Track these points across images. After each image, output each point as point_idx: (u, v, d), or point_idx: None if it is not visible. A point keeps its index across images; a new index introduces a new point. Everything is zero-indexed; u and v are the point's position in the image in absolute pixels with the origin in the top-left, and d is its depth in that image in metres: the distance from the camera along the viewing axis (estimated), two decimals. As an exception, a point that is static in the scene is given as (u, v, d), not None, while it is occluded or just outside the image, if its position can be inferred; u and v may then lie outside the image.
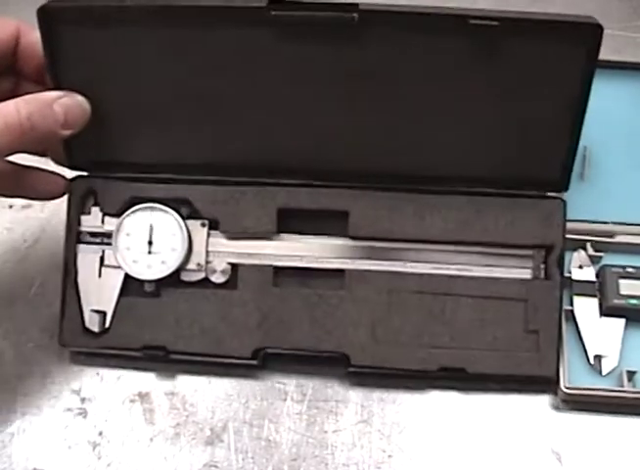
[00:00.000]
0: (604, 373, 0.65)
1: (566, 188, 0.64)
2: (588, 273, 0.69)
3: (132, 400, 0.64)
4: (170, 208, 0.64)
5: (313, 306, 0.63)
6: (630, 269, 0.69)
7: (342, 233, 0.64)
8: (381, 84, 0.60)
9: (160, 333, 0.63)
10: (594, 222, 0.72)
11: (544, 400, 0.65)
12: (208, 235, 0.64)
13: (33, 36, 0.59)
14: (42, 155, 0.65)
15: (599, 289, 0.69)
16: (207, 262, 0.64)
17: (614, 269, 0.69)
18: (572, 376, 0.64)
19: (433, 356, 0.62)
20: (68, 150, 0.64)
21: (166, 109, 0.62)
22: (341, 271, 0.64)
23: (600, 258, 0.71)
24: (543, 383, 0.64)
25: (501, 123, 0.61)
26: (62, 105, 0.58)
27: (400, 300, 0.63)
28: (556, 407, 0.65)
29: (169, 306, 0.63)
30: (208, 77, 0.60)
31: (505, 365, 0.62)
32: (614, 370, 0.65)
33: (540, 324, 0.63)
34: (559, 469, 0.62)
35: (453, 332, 0.62)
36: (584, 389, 0.64)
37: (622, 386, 0.64)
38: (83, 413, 0.63)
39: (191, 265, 0.64)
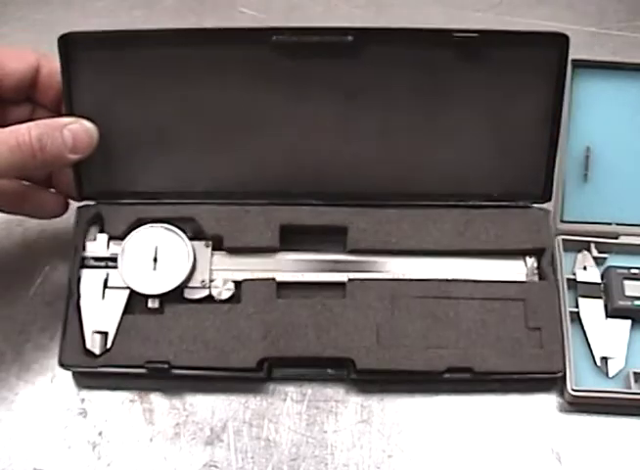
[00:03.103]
0: (610, 375, 0.65)
1: (549, 198, 0.68)
2: (593, 275, 0.69)
3: (132, 400, 0.64)
4: (175, 226, 0.65)
5: (317, 315, 0.63)
6: (635, 270, 0.68)
7: (341, 248, 0.66)
8: (376, 102, 0.64)
9: (163, 349, 0.62)
10: (598, 223, 0.71)
11: (549, 402, 0.64)
12: (212, 254, 0.65)
13: (53, 68, 0.63)
14: (45, 185, 0.67)
15: (604, 290, 0.68)
16: (211, 281, 0.64)
17: (618, 271, 0.68)
18: (579, 378, 0.64)
19: (439, 357, 0.62)
20: (78, 182, 0.66)
21: (173, 137, 0.65)
22: (342, 284, 0.65)
23: (604, 259, 0.70)
24: (549, 379, 0.64)
25: (486, 140, 0.65)
26: (71, 130, 0.61)
27: (403, 305, 0.63)
28: (561, 409, 0.64)
29: (173, 322, 0.63)
30: (214, 102, 0.64)
31: (511, 363, 0.62)
32: (620, 372, 0.65)
33: (541, 322, 0.64)
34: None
35: (457, 333, 0.63)
36: (591, 391, 0.63)
37: (630, 387, 0.64)
38: (83, 413, 0.63)
39: (194, 283, 0.64)
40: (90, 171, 0.66)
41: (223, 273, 0.65)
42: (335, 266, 0.66)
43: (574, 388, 0.63)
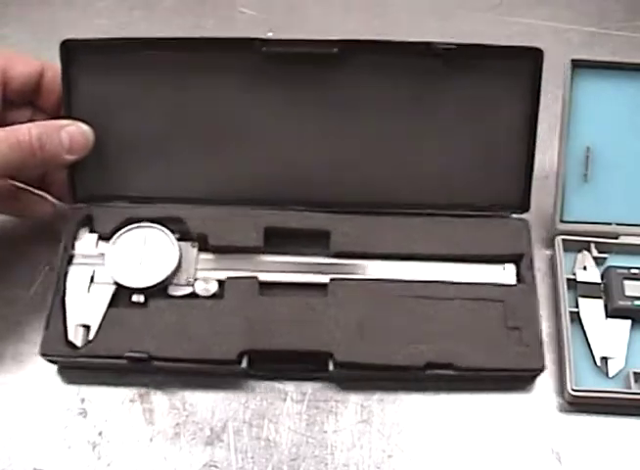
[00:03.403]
0: (610, 375, 0.65)
1: (527, 209, 0.70)
2: (593, 275, 0.69)
3: (132, 400, 0.64)
4: (163, 226, 0.67)
5: (298, 312, 0.64)
6: (635, 271, 0.69)
7: (325, 251, 0.68)
8: (360, 113, 0.67)
9: (144, 341, 0.63)
10: (598, 223, 0.72)
11: (549, 402, 0.64)
12: (198, 254, 0.67)
13: (56, 73, 0.65)
14: (39, 188, 0.69)
15: (604, 290, 0.69)
16: (196, 279, 0.66)
17: (618, 271, 0.69)
18: (579, 378, 0.64)
19: (419, 353, 0.63)
20: (72, 186, 0.68)
21: (166, 142, 0.68)
22: (324, 285, 0.66)
23: (604, 259, 0.71)
24: (529, 378, 0.65)
25: (466, 151, 0.68)
26: (68, 132, 0.64)
27: (384, 303, 0.65)
28: (561, 409, 0.64)
29: (156, 317, 0.64)
30: (206, 109, 0.67)
31: (491, 360, 0.63)
32: (620, 372, 0.65)
33: (520, 322, 0.65)
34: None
35: (438, 331, 0.64)
36: (591, 391, 0.63)
37: (630, 387, 0.64)
38: (83, 413, 0.63)
39: (179, 281, 0.66)
40: (83, 175, 0.68)
41: (208, 272, 0.66)
42: (317, 268, 0.67)
43: (574, 388, 0.63)
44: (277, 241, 0.68)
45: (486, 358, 0.63)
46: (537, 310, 0.65)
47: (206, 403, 0.64)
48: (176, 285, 0.65)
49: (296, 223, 0.68)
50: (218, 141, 0.68)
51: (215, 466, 0.61)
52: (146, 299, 0.65)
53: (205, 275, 0.66)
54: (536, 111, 0.67)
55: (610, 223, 0.72)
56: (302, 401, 0.64)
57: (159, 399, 0.64)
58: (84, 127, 0.65)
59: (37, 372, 0.65)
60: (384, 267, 0.67)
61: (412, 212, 0.69)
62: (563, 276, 0.69)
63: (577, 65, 0.68)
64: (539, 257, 0.72)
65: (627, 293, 0.67)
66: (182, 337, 0.63)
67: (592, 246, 0.71)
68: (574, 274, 0.69)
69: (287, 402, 0.64)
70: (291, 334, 0.63)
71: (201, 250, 0.67)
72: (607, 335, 0.66)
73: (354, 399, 0.64)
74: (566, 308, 0.67)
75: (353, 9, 0.91)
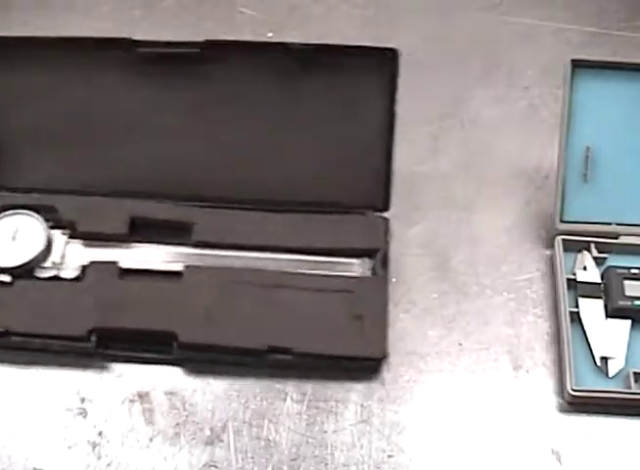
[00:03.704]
0: (610, 375, 0.65)
1: (387, 208, 0.71)
2: (593, 275, 0.69)
3: (132, 400, 0.64)
4: (37, 213, 0.70)
5: (150, 295, 0.67)
6: (635, 270, 0.69)
7: (186, 241, 0.70)
8: (224, 111, 0.70)
9: (5, 318, 0.65)
10: (598, 223, 0.72)
11: (549, 402, 0.64)
12: (68, 242, 0.70)
13: None
14: None
15: (604, 290, 0.69)
16: (62, 263, 0.68)
17: (618, 271, 0.69)
18: (579, 378, 0.64)
19: (262, 337, 0.64)
20: None
21: (45, 136, 0.71)
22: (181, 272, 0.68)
23: (604, 259, 0.71)
24: (372, 366, 0.65)
25: (327, 152, 0.70)
26: None
27: (233, 290, 0.67)
28: (561, 409, 0.64)
29: (19, 296, 0.67)
30: (84, 106, 0.70)
31: (332, 347, 0.64)
32: (620, 372, 0.65)
33: (365, 312, 0.66)
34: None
35: (283, 318, 0.66)
36: (591, 391, 0.64)
37: (630, 387, 0.64)
38: (83, 413, 0.63)
39: (47, 264, 0.68)
40: None
41: (74, 257, 0.69)
42: (176, 257, 0.69)
43: (574, 388, 0.63)
44: (143, 230, 0.71)
45: (327, 345, 0.64)
46: (385, 302, 0.67)
47: (206, 403, 0.64)
48: (42, 268, 0.68)
49: (161, 215, 0.71)
50: (95, 136, 0.71)
51: (215, 466, 0.61)
52: (14, 279, 0.67)
53: (72, 260, 0.69)
54: (393, 110, 0.68)
55: (610, 223, 0.72)
56: (302, 401, 0.64)
57: (158, 398, 0.64)
58: None
59: (37, 372, 0.65)
60: (238, 257, 0.69)
61: (276, 209, 0.71)
62: (563, 276, 0.69)
63: (577, 65, 0.68)
64: (539, 257, 0.72)
65: (627, 293, 0.67)
66: (41, 315, 0.65)
67: (592, 246, 0.71)
68: (574, 274, 0.69)
69: (287, 402, 0.64)
70: (139, 315, 0.65)
71: (71, 237, 0.70)
72: (607, 335, 0.66)
73: (354, 398, 0.64)
74: (566, 308, 0.67)
75: (354, 9, 0.91)
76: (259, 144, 0.70)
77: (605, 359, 0.66)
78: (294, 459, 0.61)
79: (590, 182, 0.71)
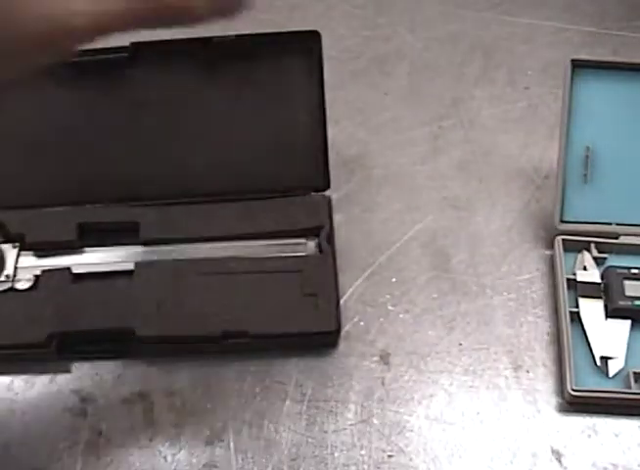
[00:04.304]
0: (611, 375, 0.65)
1: (328, 187, 0.72)
2: (593, 275, 0.69)
3: (132, 400, 0.64)
4: None
5: (104, 295, 0.68)
6: (635, 270, 0.69)
7: (135, 240, 0.71)
8: (159, 111, 0.70)
9: None
10: (598, 223, 0.72)
11: (549, 402, 0.64)
12: (19, 254, 0.70)
13: None
14: None
15: (604, 290, 0.69)
16: (15, 275, 0.69)
17: (618, 271, 0.69)
18: (579, 378, 0.64)
19: (216, 323, 0.66)
20: None
21: None
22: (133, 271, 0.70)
23: (604, 259, 0.71)
24: (329, 341, 0.67)
25: (265, 138, 0.72)
26: None
27: (185, 281, 0.68)
28: (561, 409, 0.64)
29: None
30: (22, 116, 0.70)
31: (286, 325, 0.66)
32: (620, 372, 0.65)
33: (316, 289, 0.67)
34: None
35: (236, 303, 0.67)
36: (591, 391, 0.64)
37: (630, 387, 0.64)
38: (83, 413, 0.63)
39: (1, 278, 0.69)
40: None
41: (26, 268, 0.69)
42: (127, 257, 0.71)
43: (574, 388, 0.63)
44: (91, 235, 0.72)
45: (282, 324, 0.66)
46: (333, 277, 0.67)
47: (206, 403, 0.64)
48: None
49: (107, 217, 0.72)
50: (34, 149, 0.71)
51: (215, 466, 0.61)
52: None
53: (25, 271, 0.69)
54: (322, 91, 0.69)
55: (610, 223, 0.72)
56: (302, 401, 0.64)
57: (158, 398, 0.64)
58: None
59: (37, 372, 0.66)
60: (187, 250, 0.71)
61: (219, 199, 0.73)
62: (563, 276, 0.69)
63: (577, 65, 0.68)
64: (539, 257, 0.72)
65: (627, 293, 0.67)
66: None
67: (592, 246, 0.71)
68: (574, 274, 0.69)
69: (287, 402, 0.64)
70: (96, 316, 0.66)
71: (22, 249, 0.70)
72: (607, 335, 0.66)
73: (354, 398, 0.64)
74: (566, 309, 0.67)
75: (355, 8, 0.91)
76: (195, 138, 0.71)
77: (605, 359, 0.65)
78: (294, 459, 0.61)
79: (590, 182, 0.71)
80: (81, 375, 0.66)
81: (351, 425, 0.63)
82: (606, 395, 0.63)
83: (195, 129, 0.72)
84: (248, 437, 0.62)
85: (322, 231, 0.70)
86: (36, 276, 0.69)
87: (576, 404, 0.64)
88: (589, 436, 0.63)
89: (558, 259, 0.70)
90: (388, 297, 0.70)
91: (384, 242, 0.73)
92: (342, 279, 0.70)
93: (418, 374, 0.66)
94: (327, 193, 0.72)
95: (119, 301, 0.67)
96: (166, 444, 0.62)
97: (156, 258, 0.70)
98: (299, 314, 0.66)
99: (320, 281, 0.67)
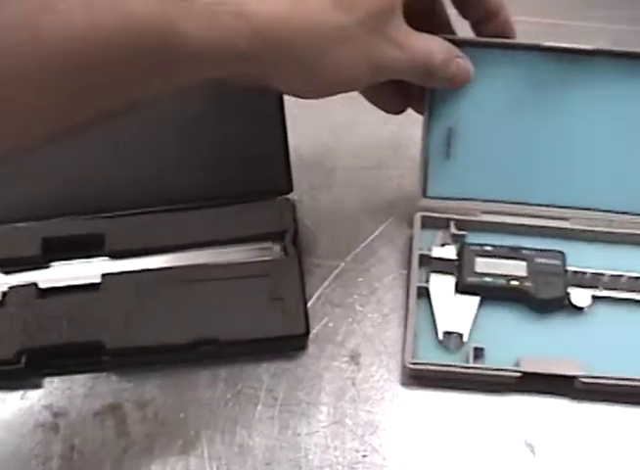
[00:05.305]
0: (452, 349, 0.66)
1: (291, 190, 0.73)
2: (449, 252, 0.70)
3: (103, 413, 0.64)
4: None
5: (72, 310, 0.67)
6: (488, 248, 0.69)
7: (101, 253, 0.71)
8: (116, 122, 0.67)
9: None
10: (460, 200, 0.72)
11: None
12: None
13: None
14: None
15: (457, 267, 0.69)
16: None
17: (472, 248, 0.70)
18: (422, 352, 0.65)
19: (186, 332, 0.65)
20: None
21: None
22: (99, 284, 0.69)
23: (464, 236, 0.72)
24: (298, 344, 0.67)
25: (226, 144, 0.71)
26: (458, 65, 0.64)
27: (153, 291, 0.68)
28: (402, 383, 0.65)
29: None
30: None
31: (254, 330, 0.66)
32: (463, 347, 0.66)
33: (283, 293, 0.67)
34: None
35: (204, 310, 0.67)
36: (428, 364, 0.64)
37: (468, 362, 0.65)
38: (55, 428, 0.63)
39: None
40: None
41: None
42: (94, 269, 0.70)
43: (411, 361, 0.64)
44: (57, 249, 0.71)
45: (250, 330, 0.66)
46: (299, 280, 0.68)
47: (178, 412, 0.64)
48: None
49: (72, 231, 0.72)
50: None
51: (190, 475, 0.61)
52: None
53: None
54: (280, 95, 0.69)
55: (472, 199, 0.72)
56: (274, 406, 0.64)
57: (130, 410, 0.64)
58: (469, 64, 0.64)
59: (7, 388, 0.65)
60: (153, 259, 0.71)
61: (184, 208, 0.73)
62: (416, 252, 0.70)
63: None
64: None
65: (478, 269, 0.68)
66: None
67: (451, 223, 0.72)
68: (430, 250, 0.70)
69: (259, 407, 0.64)
70: (64, 330, 0.66)
71: None
72: (454, 311, 0.67)
73: (325, 400, 0.64)
74: (414, 283, 0.68)
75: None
76: (158, 148, 0.72)
77: (448, 334, 0.66)
78: (268, 464, 0.61)
79: (453, 160, 0.71)
80: (52, 390, 0.65)
81: (324, 427, 0.63)
82: (443, 369, 0.64)
83: (157, 138, 0.71)
84: (221, 444, 0.62)
85: (287, 235, 0.70)
86: (3, 293, 0.68)
87: (416, 378, 0.65)
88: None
89: (414, 236, 0.71)
90: (355, 297, 0.70)
91: (349, 243, 0.74)
92: (309, 281, 0.70)
93: (388, 373, 0.66)
94: (291, 196, 0.72)
95: (87, 314, 0.67)
96: (140, 455, 0.62)
97: (122, 269, 0.69)
98: (268, 319, 0.66)
99: (287, 284, 0.67)
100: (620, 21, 0.92)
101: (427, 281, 0.69)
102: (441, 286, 0.69)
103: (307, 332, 0.66)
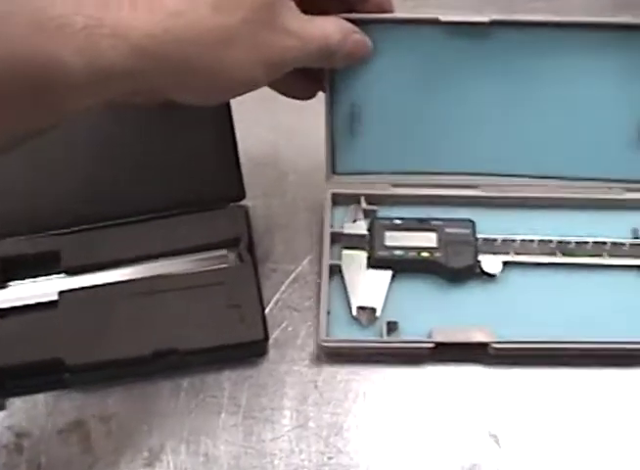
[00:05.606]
0: (365, 324, 0.67)
1: (243, 197, 0.72)
2: (360, 227, 0.71)
3: (68, 430, 0.64)
4: None
5: (31, 329, 0.67)
6: (397, 221, 0.70)
7: (58, 270, 0.71)
8: (64, 138, 0.68)
9: None
10: (369, 173, 0.72)
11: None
12: None
13: None
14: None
15: (368, 242, 0.70)
16: None
17: (382, 222, 0.70)
18: (336, 328, 0.66)
19: (145, 344, 0.65)
20: None
21: None
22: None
23: (375, 211, 0.72)
24: (253, 350, 0.67)
25: (174, 154, 0.71)
26: (355, 40, 0.63)
27: (110, 305, 0.67)
28: (316, 359, 0.67)
29: None
30: None
31: (213, 339, 0.66)
32: (376, 322, 0.67)
33: (240, 300, 0.67)
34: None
35: (163, 321, 0.67)
36: (340, 341, 0.65)
37: (382, 337, 0.65)
38: (19, 449, 0.63)
39: None
40: None
41: None
42: (51, 287, 0.70)
43: (324, 338, 0.65)
44: (14, 269, 0.71)
45: (209, 339, 0.66)
46: (255, 286, 0.68)
47: (142, 425, 0.64)
48: None
49: (28, 250, 0.71)
50: None
51: (156, 487, 0.61)
52: None
53: None
54: (228, 101, 0.68)
55: (381, 173, 0.72)
56: (238, 413, 0.64)
57: (94, 425, 0.64)
58: (367, 39, 0.64)
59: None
60: (110, 273, 0.70)
61: (138, 220, 0.72)
62: (327, 230, 0.70)
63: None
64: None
65: (387, 243, 0.69)
66: None
67: (362, 198, 0.72)
68: (342, 227, 0.71)
69: (222, 416, 0.64)
70: (24, 350, 0.65)
71: None
72: (366, 286, 0.68)
73: (288, 405, 0.65)
74: (326, 261, 0.68)
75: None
76: (109, 161, 0.71)
77: (361, 309, 0.67)
78: (234, 471, 0.62)
79: (360, 136, 0.70)
80: (15, 410, 0.65)
81: (288, 431, 0.64)
82: (355, 345, 0.65)
83: (107, 152, 0.71)
84: (186, 454, 0.63)
85: (241, 241, 0.70)
86: None
87: (331, 355, 0.66)
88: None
89: (325, 213, 0.71)
90: (313, 300, 0.70)
91: (304, 246, 0.74)
92: (266, 286, 0.70)
93: (349, 374, 0.66)
94: (244, 202, 0.72)
95: (46, 332, 0.66)
96: (106, 470, 0.62)
97: (79, 285, 0.69)
98: (225, 327, 0.66)
99: (243, 291, 0.67)
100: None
101: (339, 258, 0.69)
102: (354, 262, 0.69)
103: (266, 338, 0.66)
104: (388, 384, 0.66)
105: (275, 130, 0.75)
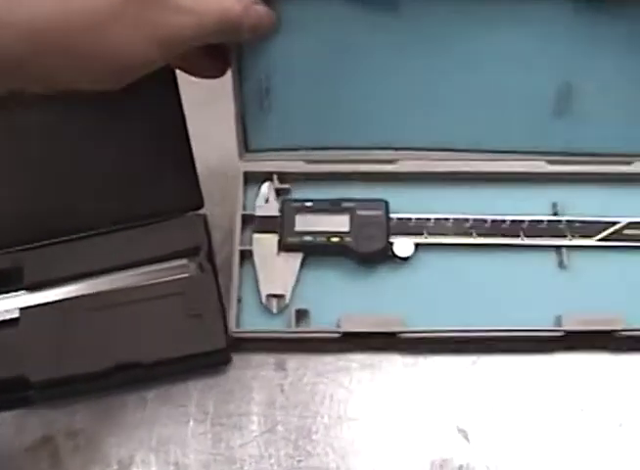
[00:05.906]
0: (275, 312, 0.66)
1: (201, 205, 0.71)
2: (272, 208, 0.69)
3: (35, 447, 0.64)
4: None
5: None
6: (308, 204, 0.68)
7: (20, 286, 0.70)
8: (31, 146, 0.68)
9: None
10: (282, 150, 0.71)
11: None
12: None
13: None
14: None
15: (280, 225, 0.68)
16: None
17: (293, 205, 0.68)
18: (247, 317, 0.66)
19: (109, 357, 0.65)
20: None
21: None
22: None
23: (288, 190, 0.71)
24: (216, 358, 0.67)
25: (128, 168, 0.70)
26: (257, 10, 0.60)
27: (73, 320, 0.67)
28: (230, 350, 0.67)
29: None
30: None
31: (176, 349, 0.66)
32: (285, 309, 0.66)
33: (201, 309, 0.67)
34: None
35: (124, 334, 0.66)
36: (249, 331, 0.65)
37: (290, 326, 0.65)
38: (-13, 468, 0.63)
39: None
40: None
41: None
42: (13, 304, 0.69)
43: (234, 330, 0.65)
44: None
45: (172, 349, 0.66)
46: (216, 295, 0.67)
47: (111, 437, 0.64)
48: None
49: None
50: None
51: (127, 498, 0.61)
52: None
53: None
54: (181, 109, 0.67)
55: (295, 149, 0.70)
56: (205, 421, 0.64)
57: (62, 441, 0.64)
58: (270, 11, 0.61)
59: None
60: (71, 288, 0.70)
61: (97, 233, 0.72)
62: (239, 212, 0.69)
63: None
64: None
65: (297, 228, 0.67)
66: None
67: (275, 177, 0.70)
68: (254, 209, 0.69)
69: (190, 424, 0.64)
70: None
71: None
72: (277, 272, 0.67)
73: (256, 410, 0.65)
74: (237, 246, 0.67)
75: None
76: (63, 174, 0.70)
77: (271, 297, 0.66)
78: (204, 479, 0.62)
79: (268, 111, 0.68)
80: (-18, 430, 0.65)
81: (257, 436, 0.64)
82: (264, 335, 0.65)
83: (60, 167, 0.70)
84: (156, 464, 0.63)
85: (201, 250, 0.70)
86: None
87: (243, 344, 0.66)
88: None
89: (239, 194, 0.70)
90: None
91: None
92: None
93: (315, 376, 0.67)
94: (203, 210, 0.72)
95: (9, 350, 0.66)
96: (76, 485, 0.62)
97: (40, 301, 0.69)
98: (187, 336, 0.66)
99: (204, 300, 0.67)
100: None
101: (250, 243, 0.68)
102: (265, 246, 0.67)
103: (229, 346, 0.66)
104: (354, 385, 0.66)
105: (231, 136, 0.74)
